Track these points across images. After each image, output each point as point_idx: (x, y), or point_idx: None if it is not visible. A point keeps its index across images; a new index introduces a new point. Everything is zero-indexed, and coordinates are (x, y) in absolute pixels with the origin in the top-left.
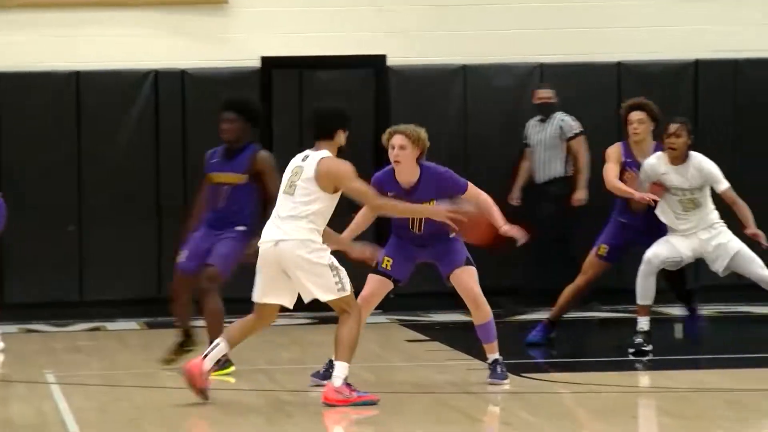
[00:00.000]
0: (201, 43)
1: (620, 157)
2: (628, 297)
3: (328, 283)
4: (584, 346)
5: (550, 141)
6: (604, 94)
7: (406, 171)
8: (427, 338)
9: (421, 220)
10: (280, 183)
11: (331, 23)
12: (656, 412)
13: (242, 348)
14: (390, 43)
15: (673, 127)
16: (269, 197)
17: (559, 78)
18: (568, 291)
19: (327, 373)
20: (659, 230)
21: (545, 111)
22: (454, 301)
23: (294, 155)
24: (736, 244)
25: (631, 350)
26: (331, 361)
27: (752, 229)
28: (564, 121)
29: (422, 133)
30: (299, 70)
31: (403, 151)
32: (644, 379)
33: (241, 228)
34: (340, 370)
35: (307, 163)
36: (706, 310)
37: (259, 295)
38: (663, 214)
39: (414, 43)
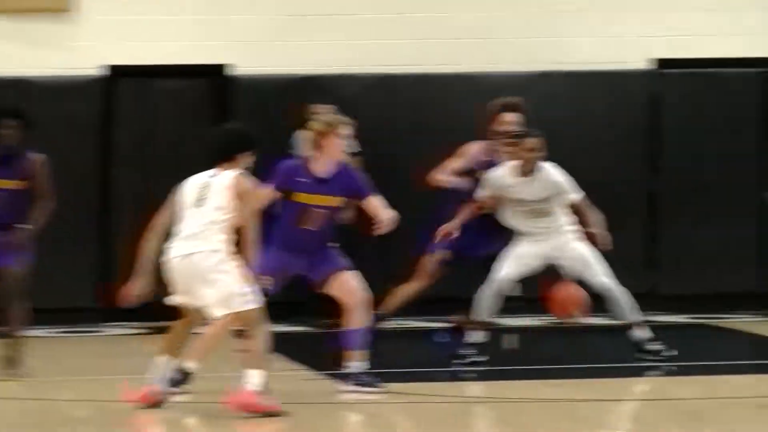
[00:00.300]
0: (42, 50)
1: (473, 157)
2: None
3: (228, 296)
4: (412, 356)
5: None
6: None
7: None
8: None
9: (316, 216)
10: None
11: (177, 32)
12: (489, 423)
13: None
14: (236, 53)
15: (531, 142)
16: (40, 201)
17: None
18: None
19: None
20: (500, 234)
21: None
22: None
23: (136, 163)
24: (580, 250)
25: (459, 361)
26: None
27: (597, 229)
28: None
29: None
30: (143, 79)
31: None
32: (475, 389)
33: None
34: (257, 377)
35: (217, 179)
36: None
37: (177, 298)
38: (511, 220)
39: (260, 52)
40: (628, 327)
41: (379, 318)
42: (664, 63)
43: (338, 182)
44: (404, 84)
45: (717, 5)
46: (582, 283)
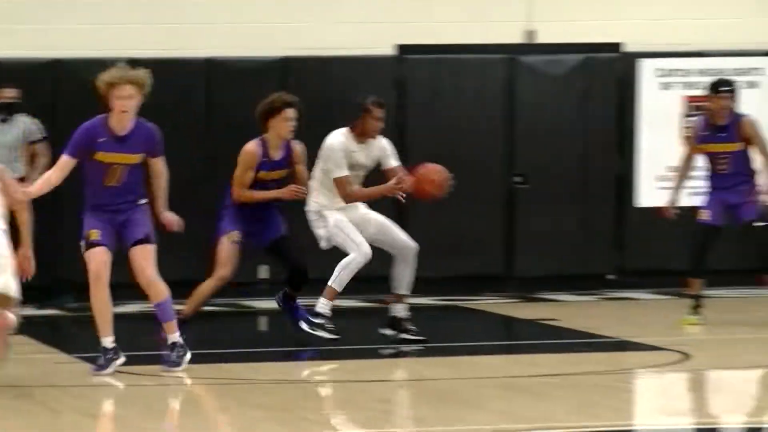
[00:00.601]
0: None
1: (257, 160)
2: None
3: None
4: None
5: (13, 142)
6: (193, 90)
7: (128, 120)
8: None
9: (121, 173)
10: None
11: None
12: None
13: None
14: None
15: (380, 111)
16: None
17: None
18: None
19: None
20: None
21: (8, 111)
22: None
23: None
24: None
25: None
26: None
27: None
28: (26, 123)
29: (147, 79)
30: None
31: (131, 100)
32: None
33: None
34: None
35: None
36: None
37: None
38: (325, 193)
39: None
40: (397, 299)
41: (181, 322)
42: (407, 49)
43: (135, 139)
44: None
45: None
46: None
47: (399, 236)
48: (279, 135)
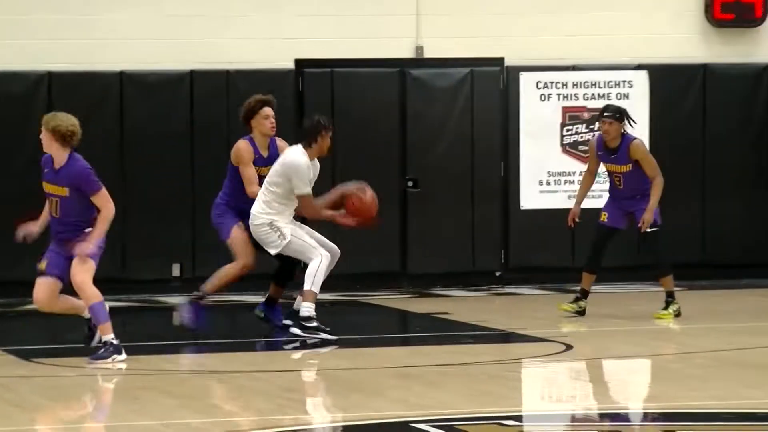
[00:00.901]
0: None
1: (252, 155)
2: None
3: None
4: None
5: None
6: (105, 103)
7: (57, 154)
8: None
9: (56, 204)
10: None
11: None
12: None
13: None
14: None
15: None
16: None
17: (66, 85)
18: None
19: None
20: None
21: None
22: None
23: None
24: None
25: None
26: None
27: None
28: None
29: (50, 120)
30: None
31: (44, 140)
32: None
33: None
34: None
35: None
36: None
37: None
38: (276, 206)
39: None
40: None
41: (198, 298)
42: (304, 63)
43: (65, 173)
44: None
45: (351, 12)
46: None
47: (327, 241)
48: (262, 132)
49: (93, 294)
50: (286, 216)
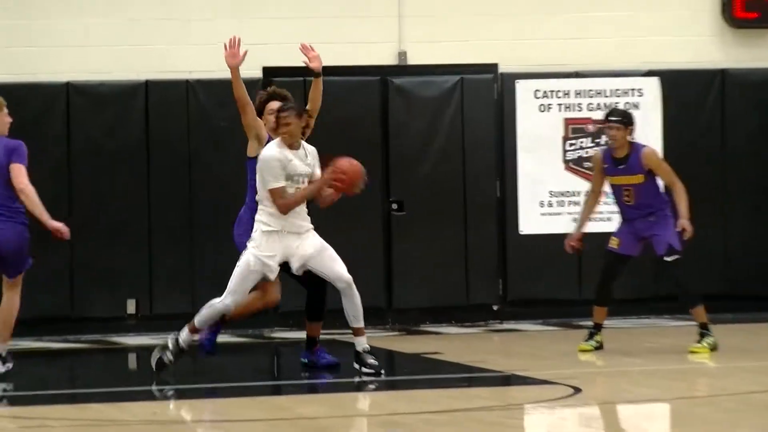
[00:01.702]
0: None
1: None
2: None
3: None
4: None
5: None
6: (52, 114)
7: None
8: None
9: None
10: None
11: None
12: None
13: None
14: None
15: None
16: None
17: (7, 98)
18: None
19: None
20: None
21: None
22: None
23: None
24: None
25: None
26: None
27: None
28: None
29: None
30: None
31: None
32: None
33: None
34: None
35: None
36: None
37: None
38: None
39: None
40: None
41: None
42: (273, 71)
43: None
44: None
45: (325, 14)
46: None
47: (333, 267)
48: (272, 129)
49: None
50: (277, 223)
